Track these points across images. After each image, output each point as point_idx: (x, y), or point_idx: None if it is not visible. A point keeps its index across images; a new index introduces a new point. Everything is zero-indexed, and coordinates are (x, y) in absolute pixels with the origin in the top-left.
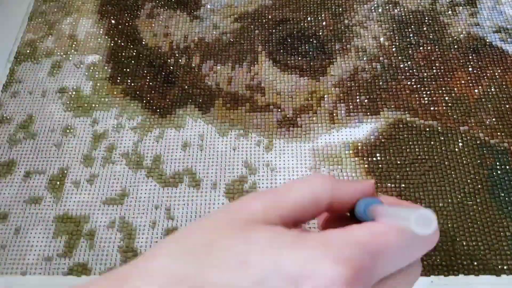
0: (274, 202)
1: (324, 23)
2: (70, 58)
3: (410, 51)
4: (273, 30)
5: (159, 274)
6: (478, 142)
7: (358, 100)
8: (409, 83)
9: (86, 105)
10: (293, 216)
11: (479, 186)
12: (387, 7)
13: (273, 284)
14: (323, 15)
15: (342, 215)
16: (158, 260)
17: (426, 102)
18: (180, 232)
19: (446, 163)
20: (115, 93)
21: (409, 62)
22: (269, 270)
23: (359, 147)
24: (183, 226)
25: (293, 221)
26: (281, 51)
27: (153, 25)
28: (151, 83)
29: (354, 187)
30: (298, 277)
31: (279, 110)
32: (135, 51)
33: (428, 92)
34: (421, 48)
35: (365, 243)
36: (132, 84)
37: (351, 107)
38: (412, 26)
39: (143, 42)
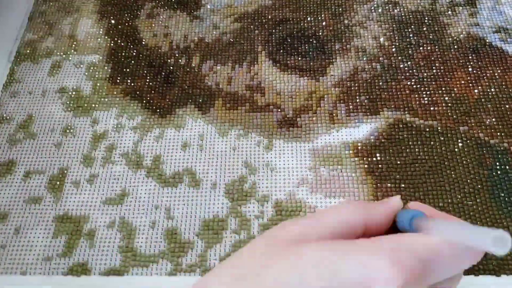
0: (311, 226)
1: (324, 23)
2: (70, 58)
3: (410, 51)
4: (273, 30)
5: None
6: (478, 142)
7: (358, 100)
8: (409, 83)
9: (86, 105)
10: (330, 239)
11: (479, 186)
12: (387, 7)
13: None
14: (323, 15)
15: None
16: None
17: (426, 102)
18: (225, 262)
19: (446, 163)
20: (115, 93)
21: (409, 62)
22: (329, 281)
23: (359, 147)
24: (222, 261)
25: None
26: (281, 51)
27: (153, 25)
28: (151, 83)
29: (385, 208)
30: (359, 282)
31: (279, 110)
32: (135, 51)
33: (428, 92)
34: (421, 48)
35: (416, 250)
36: (132, 84)
37: (351, 107)
38: (412, 26)
39: (143, 42)
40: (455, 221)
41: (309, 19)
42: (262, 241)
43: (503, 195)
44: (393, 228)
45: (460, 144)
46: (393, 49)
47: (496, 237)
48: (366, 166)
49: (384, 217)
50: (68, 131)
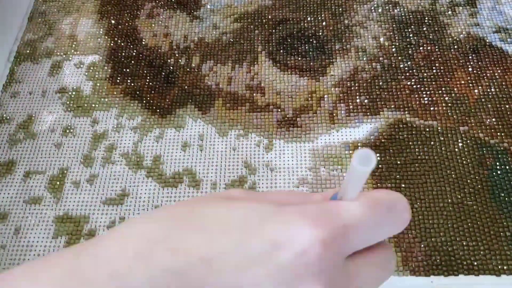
0: (248, 193)
1: (324, 23)
2: (70, 58)
3: (410, 51)
4: (273, 30)
5: (134, 238)
6: (478, 142)
7: (358, 100)
8: (409, 83)
9: (86, 105)
10: None
11: (479, 186)
12: (387, 7)
13: (254, 247)
14: (323, 15)
15: None
16: (135, 225)
17: (426, 102)
18: (162, 206)
19: (446, 163)
20: (115, 93)
21: (409, 62)
22: (250, 234)
23: (359, 147)
24: None
25: None
26: (281, 51)
27: (153, 25)
28: (151, 83)
29: (322, 196)
30: (279, 240)
31: (279, 110)
32: (135, 51)
33: (428, 92)
34: (421, 48)
35: (338, 213)
36: (132, 84)
37: (351, 107)
38: (412, 26)
39: (143, 42)
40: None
41: (309, 19)
42: (205, 196)
43: (503, 195)
44: None
45: (460, 144)
46: (393, 49)
47: (360, 154)
48: None
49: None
50: (68, 131)
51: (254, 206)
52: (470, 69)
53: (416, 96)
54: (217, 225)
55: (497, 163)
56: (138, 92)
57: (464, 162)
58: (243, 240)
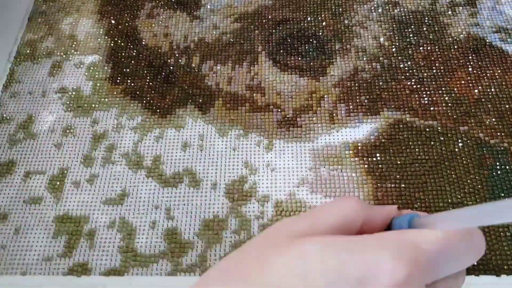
0: (312, 221)
1: (324, 23)
2: (70, 58)
3: (410, 51)
4: (273, 30)
5: None
6: (478, 142)
7: (358, 100)
8: (409, 83)
9: (86, 105)
10: (331, 234)
11: (479, 186)
12: (387, 7)
13: None
14: (323, 15)
15: None
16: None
17: (426, 102)
18: (225, 258)
19: (446, 163)
20: (115, 93)
21: (409, 62)
22: (333, 278)
23: (359, 147)
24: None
25: None
26: (281, 51)
27: (153, 25)
28: (151, 83)
29: (383, 210)
30: (363, 278)
31: (279, 110)
32: (135, 51)
33: (428, 92)
34: (421, 48)
35: (419, 243)
36: (132, 84)
37: (351, 107)
38: (412, 26)
39: (143, 42)
40: (452, 210)
41: (309, 19)
42: (263, 236)
43: (503, 195)
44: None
45: (460, 144)
46: (393, 49)
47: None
48: (366, 166)
49: (381, 219)
50: (68, 131)
51: (328, 246)
52: (470, 69)
53: (416, 96)
54: (296, 278)
55: (497, 163)
56: (138, 92)
57: (464, 162)
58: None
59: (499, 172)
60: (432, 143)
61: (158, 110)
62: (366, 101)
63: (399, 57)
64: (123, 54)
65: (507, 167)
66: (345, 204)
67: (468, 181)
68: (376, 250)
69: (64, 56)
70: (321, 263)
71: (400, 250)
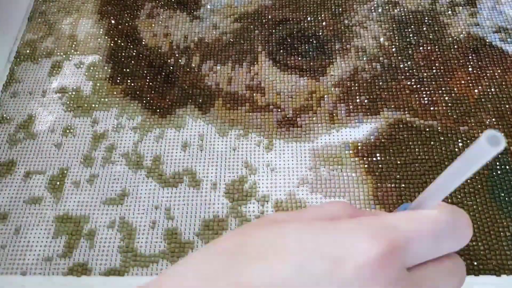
0: (295, 214)
1: (324, 23)
2: (70, 58)
3: (410, 51)
4: (273, 30)
5: (191, 277)
6: None
7: (358, 100)
8: (409, 83)
9: (86, 105)
10: None
11: (479, 186)
12: (387, 7)
13: (315, 267)
14: (323, 15)
15: None
16: (189, 265)
17: (426, 102)
18: (210, 242)
19: (446, 163)
20: (115, 93)
21: (409, 62)
22: (309, 255)
23: (359, 147)
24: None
25: None
26: (281, 51)
27: (153, 25)
28: (151, 83)
29: (374, 214)
30: (339, 256)
31: (279, 110)
32: (135, 51)
33: (428, 92)
34: (421, 48)
35: (397, 225)
36: (132, 84)
37: (351, 107)
38: (412, 26)
39: (143, 42)
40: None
41: (309, 19)
42: (251, 223)
43: (503, 195)
44: None
45: (460, 144)
46: (393, 49)
47: (489, 136)
48: (366, 166)
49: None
50: (68, 131)
51: (306, 226)
52: (470, 69)
53: (416, 96)
54: (273, 253)
55: (497, 163)
56: (138, 92)
57: None
58: (303, 263)
59: (499, 172)
60: (432, 143)
61: (158, 110)
62: (366, 101)
63: (399, 57)
64: (123, 54)
65: (507, 167)
66: (332, 204)
67: (468, 181)
68: (354, 230)
69: (64, 56)
70: (298, 241)
71: (377, 231)
